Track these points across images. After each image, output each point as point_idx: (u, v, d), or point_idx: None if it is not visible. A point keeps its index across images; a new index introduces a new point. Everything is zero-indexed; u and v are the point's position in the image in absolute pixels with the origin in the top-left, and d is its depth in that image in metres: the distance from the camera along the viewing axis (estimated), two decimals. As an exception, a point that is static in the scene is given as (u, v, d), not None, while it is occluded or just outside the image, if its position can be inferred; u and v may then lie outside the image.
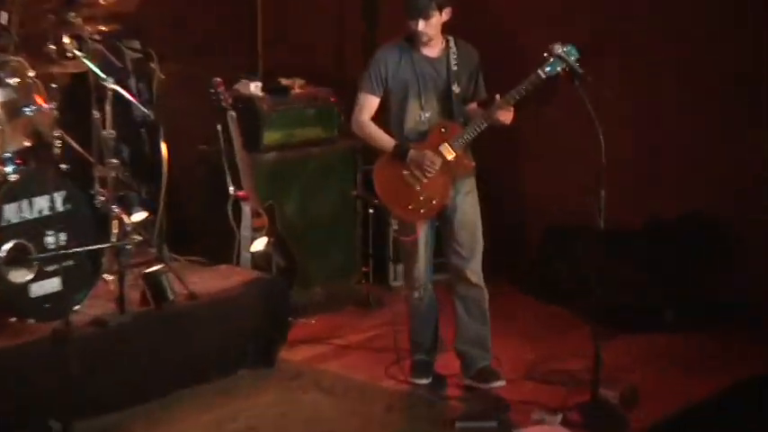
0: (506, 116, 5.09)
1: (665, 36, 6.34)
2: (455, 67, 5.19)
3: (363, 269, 6.75)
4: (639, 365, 5.58)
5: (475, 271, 5.30)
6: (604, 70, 5.88)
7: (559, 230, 6.71)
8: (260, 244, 5.99)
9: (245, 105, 6.31)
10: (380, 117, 5.28)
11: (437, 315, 5.47)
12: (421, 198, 5.17)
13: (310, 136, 6.62)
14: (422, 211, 5.19)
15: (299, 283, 6.08)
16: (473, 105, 5.31)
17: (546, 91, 5.15)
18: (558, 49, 4.96)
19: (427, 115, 5.22)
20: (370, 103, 5.21)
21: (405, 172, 5.15)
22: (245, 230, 5.89)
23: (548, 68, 4.98)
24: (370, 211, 6.58)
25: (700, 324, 5.99)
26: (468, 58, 5.24)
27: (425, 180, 5.15)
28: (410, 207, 5.18)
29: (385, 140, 5.20)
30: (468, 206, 5.29)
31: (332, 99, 6.68)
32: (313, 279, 6.51)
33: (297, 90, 6.67)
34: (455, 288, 5.35)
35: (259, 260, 5.95)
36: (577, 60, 4.95)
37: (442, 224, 5.32)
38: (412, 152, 5.14)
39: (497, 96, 5.08)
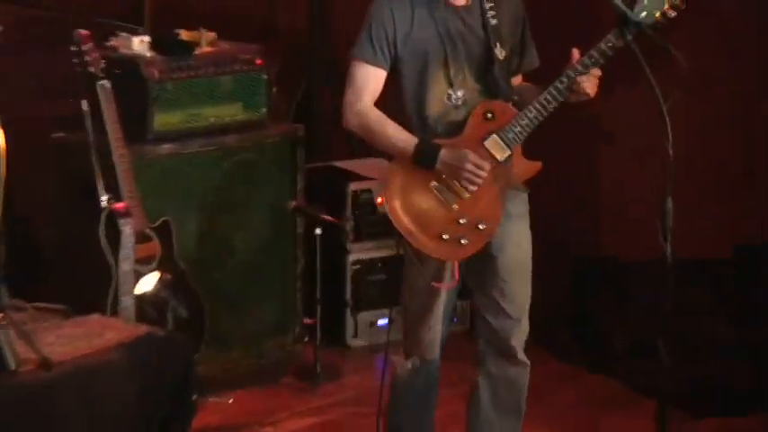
0: (592, 84, 5.02)
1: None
2: (493, 21, 5.13)
3: (307, 321, 6.79)
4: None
5: (522, 339, 5.26)
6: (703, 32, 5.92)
7: (607, 264, 6.75)
8: (149, 283, 6.00)
9: (126, 71, 6.29)
10: (383, 102, 5.14)
11: (437, 397, 5.41)
12: (461, 222, 5.06)
13: (226, 118, 6.59)
14: (463, 241, 5.08)
15: (209, 342, 6.10)
16: (518, 78, 5.29)
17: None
18: None
19: (460, 95, 5.13)
20: (372, 78, 5.09)
21: (434, 183, 5.07)
22: (125, 262, 5.88)
23: (642, 14, 4.85)
24: (318, 231, 6.60)
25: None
26: (509, 6, 5.19)
27: (467, 195, 5.09)
28: (445, 237, 5.09)
29: (400, 136, 5.06)
30: (522, 237, 5.24)
31: (258, 62, 6.67)
32: (230, 336, 6.55)
33: (204, 48, 6.66)
34: (484, 362, 5.29)
35: (147, 307, 5.95)
36: (672, 10, 4.89)
37: (479, 263, 5.19)
38: (444, 152, 5.02)
39: (574, 58, 4.98)
